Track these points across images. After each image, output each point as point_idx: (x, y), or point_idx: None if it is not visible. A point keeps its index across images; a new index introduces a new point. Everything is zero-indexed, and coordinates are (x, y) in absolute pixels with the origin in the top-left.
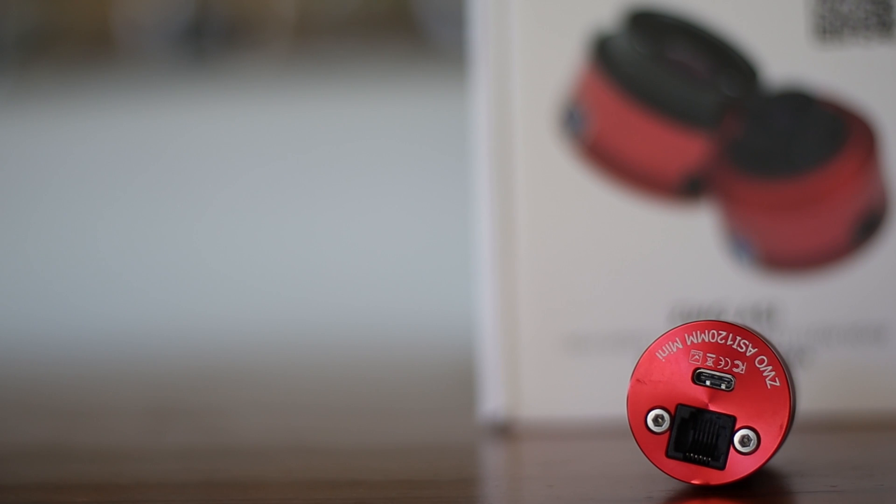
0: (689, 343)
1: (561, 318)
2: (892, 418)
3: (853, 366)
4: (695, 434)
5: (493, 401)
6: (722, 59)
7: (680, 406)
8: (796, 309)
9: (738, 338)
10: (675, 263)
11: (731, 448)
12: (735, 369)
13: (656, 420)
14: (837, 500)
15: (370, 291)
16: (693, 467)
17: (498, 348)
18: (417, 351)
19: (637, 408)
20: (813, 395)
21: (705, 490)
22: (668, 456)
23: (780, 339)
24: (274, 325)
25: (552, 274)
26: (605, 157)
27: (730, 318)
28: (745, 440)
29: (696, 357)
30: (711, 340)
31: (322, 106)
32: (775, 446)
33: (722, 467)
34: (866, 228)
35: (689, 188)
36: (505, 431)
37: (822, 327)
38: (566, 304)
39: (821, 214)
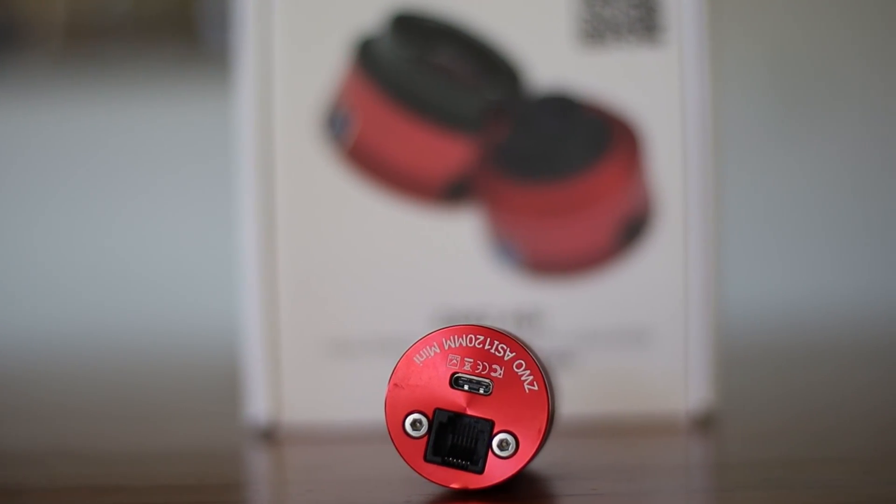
0: (446, 347)
1: (323, 322)
2: (654, 421)
3: (617, 369)
4: (453, 438)
5: (257, 405)
6: (485, 62)
7: (438, 410)
8: (560, 313)
9: (496, 342)
10: (438, 267)
11: (490, 452)
12: (493, 374)
13: (414, 424)
14: (597, 503)
15: (138, 294)
16: (452, 471)
17: (261, 353)
18: (186, 355)
19: (395, 412)
20: (577, 399)
21: (464, 494)
22: (426, 460)
23: (544, 343)
24: (38, 329)
25: (314, 278)
26: (367, 160)
27: (491, 322)
28: (504, 444)
29: (454, 361)
30: (469, 345)
31: (95, 108)
32: (534, 450)
33: (481, 471)
34: (630, 232)
35: (452, 192)
36: (268, 436)
37: (587, 331)
38: (328, 308)
39: (585, 218)
